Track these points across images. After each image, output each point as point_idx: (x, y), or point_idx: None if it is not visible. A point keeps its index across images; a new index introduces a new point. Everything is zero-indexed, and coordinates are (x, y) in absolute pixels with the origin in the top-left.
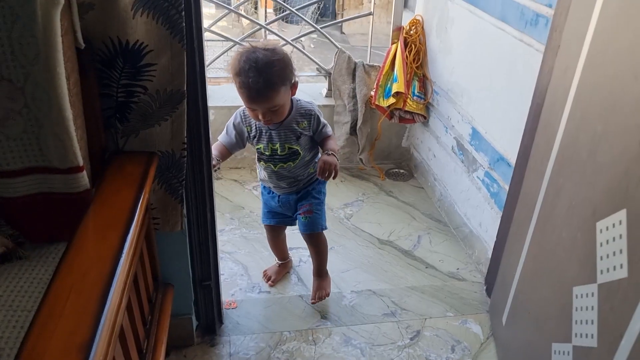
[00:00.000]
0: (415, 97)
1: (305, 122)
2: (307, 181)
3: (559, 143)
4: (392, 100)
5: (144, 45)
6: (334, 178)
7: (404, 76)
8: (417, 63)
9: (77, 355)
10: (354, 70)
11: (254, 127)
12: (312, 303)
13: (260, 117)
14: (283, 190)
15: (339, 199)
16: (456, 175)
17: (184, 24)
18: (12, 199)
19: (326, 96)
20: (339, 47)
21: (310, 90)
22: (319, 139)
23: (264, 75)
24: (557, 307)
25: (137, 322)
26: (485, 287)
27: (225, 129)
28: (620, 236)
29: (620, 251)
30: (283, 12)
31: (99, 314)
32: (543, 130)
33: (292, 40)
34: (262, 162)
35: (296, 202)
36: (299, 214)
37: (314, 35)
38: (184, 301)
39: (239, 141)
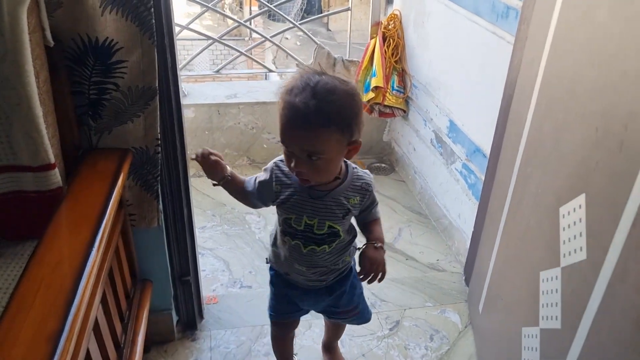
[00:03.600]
0: (394, 92)
1: (358, 197)
2: (340, 272)
3: (527, 133)
4: (371, 94)
5: (114, 42)
6: (379, 281)
7: (382, 71)
8: (395, 57)
9: (46, 345)
10: (334, 65)
11: (289, 189)
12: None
13: (292, 165)
14: (310, 282)
15: None
16: (435, 167)
17: (154, 21)
18: None
19: None
20: (318, 43)
21: None
22: (363, 220)
23: (320, 101)
24: (526, 292)
25: (113, 317)
26: (464, 277)
27: (253, 177)
28: (580, 220)
29: (580, 234)
30: (270, 14)
31: (68, 306)
32: (513, 121)
33: (271, 37)
34: (287, 238)
35: (330, 303)
36: (342, 318)
37: (300, 33)
38: (163, 297)
39: (259, 198)
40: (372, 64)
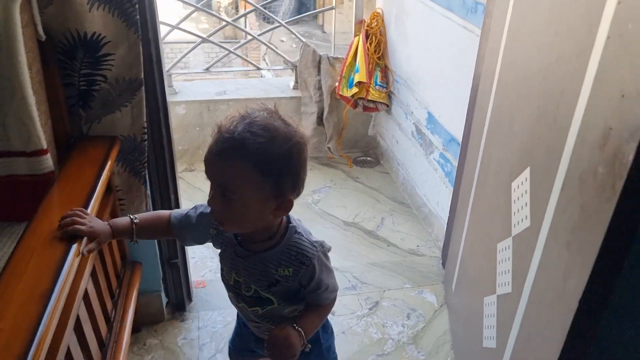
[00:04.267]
0: (377, 87)
1: (292, 269)
2: None
3: (489, 118)
4: (355, 89)
5: (102, 36)
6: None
7: (365, 66)
8: (378, 54)
9: (38, 302)
10: (319, 62)
11: (221, 238)
12: None
13: (208, 199)
14: (261, 335)
15: (307, 185)
16: (416, 158)
17: (139, 16)
18: None
19: (293, 88)
20: (304, 41)
21: (278, 83)
22: (307, 300)
23: (246, 132)
24: (487, 265)
25: (103, 291)
26: (441, 261)
27: (186, 209)
28: (526, 191)
29: (526, 204)
30: (265, 16)
31: (58, 271)
32: (479, 108)
33: (258, 35)
34: (225, 284)
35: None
36: None
37: (293, 35)
38: (153, 279)
39: (196, 231)
40: (355, 61)
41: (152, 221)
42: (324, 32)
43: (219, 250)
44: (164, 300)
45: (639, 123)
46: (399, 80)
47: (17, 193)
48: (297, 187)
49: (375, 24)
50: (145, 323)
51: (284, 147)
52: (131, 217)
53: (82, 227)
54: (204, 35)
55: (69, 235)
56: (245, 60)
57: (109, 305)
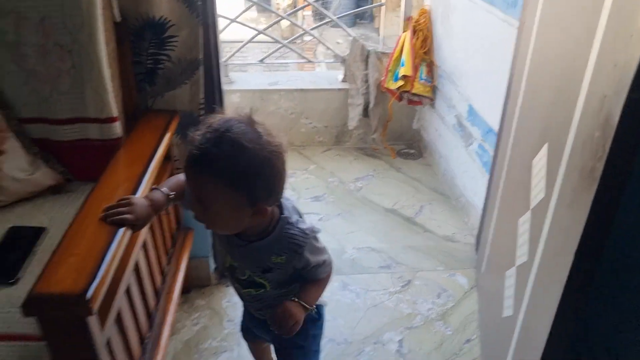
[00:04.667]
0: (422, 81)
1: (285, 257)
2: None
3: (519, 105)
4: (400, 82)
5: (168, 20)
6: (288, 334)
7: (411, 61)
8: (424, 49)
9: (105, 238)
10: (367, 57)
11: None
12: None
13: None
14: (255, 312)
15: (351, 173)
16: (456, 150)
17: (200, 3)
18: (61, 142)
19: (342, 81)
20: (353, 35)
21: (327, 75)
22: (303, 277)
23: (217, 150)
24: (510, 242)
25: (159, 247)
26: (475, 248)
27: None
28: (543, 166)
29: (543, 177)
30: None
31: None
32: (512, 97)
33: (311, 30)
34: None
35: (271, 339)
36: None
37: (349, 37)
38: (203, 245)
39: None
40: (402, 55)
41: (179, 188)
42: (379, 35)
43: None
44: (212, 266)
45: (625, 88)
46: (443, 75)
47: (90, 155)
48: (271, 195)
49: (423, 20)
50: (194, 286)
51: (254, 162)
52: (162, 190)
53: (128, 216)
54: (261, 34)
55: (115, 224)
56: (297, 53)
57: (164, 260)
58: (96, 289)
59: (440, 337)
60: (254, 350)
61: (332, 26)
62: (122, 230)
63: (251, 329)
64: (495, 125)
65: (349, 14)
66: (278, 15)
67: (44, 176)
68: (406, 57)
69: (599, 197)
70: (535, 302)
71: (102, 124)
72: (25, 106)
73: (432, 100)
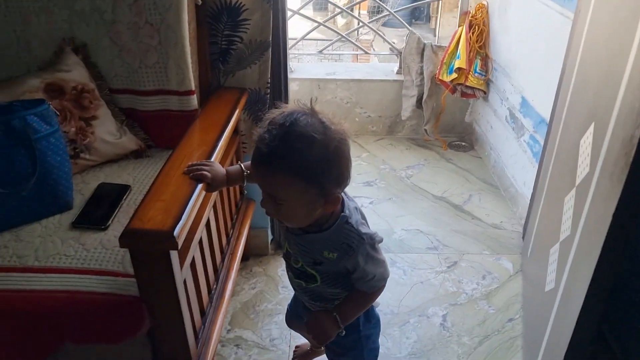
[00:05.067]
0: (476, 74)
1: (337, 254)
2: None
3: (570, 93)
4: (454, 75)
5: (242, 4)
6: (319, 344)
7: (466, 54)
8: (479, 43)
9: (186, 189)
10: (423, 50)
11: None
12: None
13: (261, 201)
14: (306, 303)
15: (402, 162)
16: (507, 141)
17: None
18: (145, 112)
19: (397, 73)
20: (410, 29)
21: (383, 67)
22: (355, 285)
23: (284, 145)
24: (555, 220)
25: (225, 212)
26: (522, 235)
27: None
28: (589, 144)
29: (588, 154)
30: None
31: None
32: (564, 86)
33: (369, 22)
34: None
35: None
36: (329, 357)
37: (404, 35)
38: (262, 216)
39: None
40: (457, 49)
41: None
42: (435, 35)
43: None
44: (270, 236)
45: None
46: (497, 69)
47: (168, 125)
48: (342, 183)
49: (480, 14)
50: (252, 254)
51: (323, 153)
52: (241, 165)
53: (207, 173)
54: (324, 37)
55: (195, 178)
56: (355, 44)
57: (229, 224)
58: (181, 228)
59: (483, 315)
60: (304, 336)
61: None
62: (200, 185)
63: (296, 320)
64: (546, 115)
65: (407, 7)
66: (338, 7)
67: (129, 141)
68: (461, 50)
69: (637, 162)
70: (575, 273)
71: (181, 96)
72: (115, 78)
73: (485, 93)
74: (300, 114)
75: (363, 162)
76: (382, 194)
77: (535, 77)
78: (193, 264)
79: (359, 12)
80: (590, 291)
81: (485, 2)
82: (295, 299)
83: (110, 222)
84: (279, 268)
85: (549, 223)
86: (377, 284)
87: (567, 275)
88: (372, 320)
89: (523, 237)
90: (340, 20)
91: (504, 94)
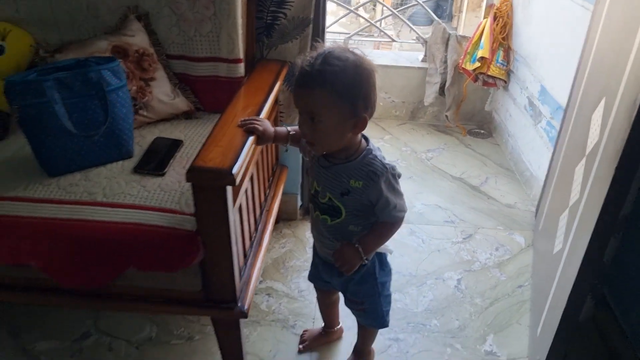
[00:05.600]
0: (498, 64)
1: (362, 182)
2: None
3: (586, 77)
4: (477, 64)
5: None
6: (345, 273)
7: (489, 44)
8: (503, 34)
9: (240, 139)
10: (448, 39)
11: (312, 153)
12: None
13: (298, 124)
14: (324, 250)
15: (423, 145)
16: (525, 128)
17: None
18: (196, 77)
19: (422, 61)
20: (436, 19)
21: (407, 55)
22: (378, 217)
23: (323, 64)
24: (565, 190)
25: (264, 174)
26: (535, 215)
27: None
28: (600, 116)
29: (599, 125)
30: (401, 6)
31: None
32: (580, 72)
33: (397, 11)
34: (308, 196)
35: (340, 284)
36: (350, 307)
37: (427, 32)
38: (293, 182)
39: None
40: (481, 40)
41: (299, 133)
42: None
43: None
44: (299, 202)
45: None
46: (518, 59)
47: (217, 90)
48: (368, 106)
49: (504, 7)
50: (282, 218)
51: (355, 74)
52: (287, 128)
53: (258, 127)
54: (349, 33)
55: (248, 131)
56: (383, 32)
57: (266, 184)
58: (238, 168)
59: (495, 281)
60: (322, 302)
61: (409, 17)
62: (252, 137)
63: (321, 276)
64: (563, 102)
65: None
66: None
67: (181, 103)
68: (485, 40)
69: (638, 123)
70: (580, 232)
71: (230, 64)
72: (172, 45)
73: (505, 82)
74: (336, 47)
75: (386, 144)
76: (403, 172)
77: (555, 66)
78: (240, 209)
79: (382, 7)
80: (590, 246)
81: None
82: (314, 265)
83: (166, 169)
84: (307, 232)
85: (561, 194)
86: (398, 214)
87: (573, 234)
88: (386, 269)
89: (535, 216)
90: (364, 15)
91: (524, 83)
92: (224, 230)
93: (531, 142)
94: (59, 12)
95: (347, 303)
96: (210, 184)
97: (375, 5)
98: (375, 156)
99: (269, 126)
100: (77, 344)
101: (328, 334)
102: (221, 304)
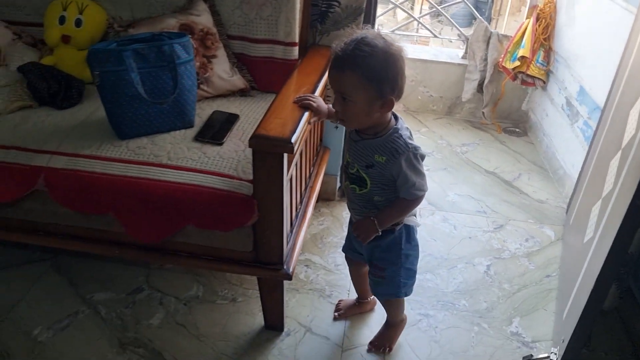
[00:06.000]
0: (538, 64)
1: (385, 158)
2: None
3: (626, 76)
4: (517, 63)
5: None
6: (363, 242)
7: (531, 44)
8: (545, 35)
9: (298, 114)
10: (489, 38)
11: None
12: (367, 350)
13: (332, 103)
14: (355, 218)
15: (458, 139)
16: (561, 128)
17: None
18: (253, 57)
19: (462, 57)
20: (479, 16)
21: (448, 51)
22: (399, 193)
23: (354, 48)
24: (599, 183)
25: (310, 151)
26: (566, 211)
27: None
28: (638, 111)
29: (636, 119)
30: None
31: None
32: (620, 72)
33: (442, 8)
34: (342, 168)
35: (367, 251)
36: (371, 273)
37: (465, 33)
38: (334, 164)
39: None
40: (522, 39)
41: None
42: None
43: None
44: (338, 184)
45: None
46: (558, 60)
47: (271, 71)
48: (395, 89)
49: (548, 8)
50: (321, 198)
51: (382, 58)
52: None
53: (313, 103)
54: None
55: (304, 106)
56: (426, 28)
57: (311, 161)
58: (296, 138)
59: (523, 269)
60: (354, 274)
61: (444, 22)
62: (307, 113)
63: (353, 245)
64: (601, 102)
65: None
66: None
67: (238, 81)
68: (527, 40)
69: None
70: (611, 222)
71: (286, 47)
72: (234, 26)
73: (544, 83)
74: (369, 33)
75: (422, 136)
76: (438, 164)
77: (595, 67)
78: (290, 181)
79: (421, 7)
80: (617, 236)
81: None
82: (348, 238)
83: (225, 139)
84: (343, 211)
85: (594, 188)
86: (416, 193)
87: (603, 224)
88: (412, 242)
89: (566, 212)
90: (401, 14)
91: (563, 83)
92: (278, 195)
93: (566, 142)
94: None
95: (370, 272)
96: (270, 150)
97: (413, 5)
98: (400, 135)
99: (322, 103)
100: (131, 296)
101: (361, 305)
102: (269, 265)
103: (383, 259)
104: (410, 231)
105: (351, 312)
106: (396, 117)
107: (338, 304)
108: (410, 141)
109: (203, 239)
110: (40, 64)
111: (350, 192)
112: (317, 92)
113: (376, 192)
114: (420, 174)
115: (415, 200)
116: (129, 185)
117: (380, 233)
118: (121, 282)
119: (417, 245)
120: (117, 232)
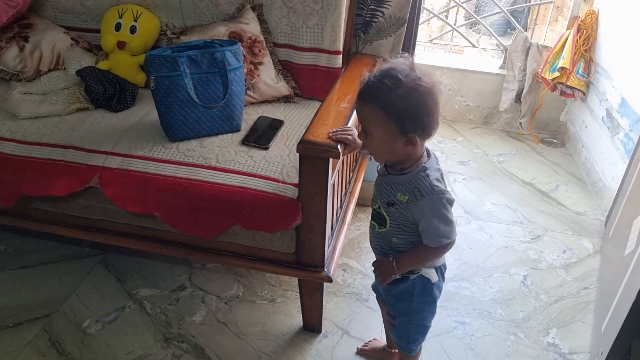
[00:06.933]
0: (578, 75)
1: (407, 197)
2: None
3: None
4: (556, 74)
5: None
6: (381, 283)
7: (571, 55)
8: (585, 46)
9: (344, 119)
10: (529, 48)
11: None
12: None
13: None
14: (374, 252)
15: (495, 149)
16: (601, 140)
17: None
18: (298, 65)
19: (500, 67)
20: (519, 27)
21: (485, 60)
22: (422, 238)
23: (377, 81)
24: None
25: (349, 158)
26: (605, 224)
27: None
28: None
29: None
30: (472, 18)
31: (350, 112)
32: None
33: (481, 18)
34: None
35: (385, 292)
36: (387, 320)
37: (499, 48)
38: (371, 172)
39: None
40: (562, 50)
41: None
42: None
43: None
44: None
45: None
46: (599, 71)
47: (316, 78)
48: (418, 127)
49: (589, 20)
50: (358, 204)
51: (405, 94)
52: None
53: (349, 137)
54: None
55: (339, 140)
56: (464, 37)
57: (351, 168)
58: (341, 145)
59: (560, 281)
60: (383, 316)
61: (478, 32)
62: (352, 119)
63: (376, 284)
64: None
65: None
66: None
67: (283, 87)
68: (567, 51)
69: None
70: None
71: (330, 55)
72: (280, 34)
73: (584, 94)
74: (400, 63)
75: (458, 145)
76: (474, 173)
77: (637, 79)
78: (333, 186)
79: (456, 16)
80: None
81: (596, 9)
82: None
83: (270, 144)
84: None
85: (636, 200)
86: (441, 240)
87: None
88: (427, 297)
89: (605, 225)
90: (434, 23)
91: (604, 95)
92: (322, 199)
93: (606, 154)
94: (185, 0)
95: (385, 315)
96: (317, 155)
97: (447, 14)
98: (427, 175)
99: (356, 134)
100: (174, 293)
101: (386, 353)
102: (310, 267)
103: (394, 307)
104: (426, 284)
105: (374, 355)
106: (429, 155)
107: (369, 342)
108: (437, 183)
109: (248, 239)
110: (97, 68)
111: (371, 228)
112: None
113: (395, 233)
114: (446, 220)
115: (439, 249)
116: (179, 186)
117: (398, 276)
118: (165, 279)
119: (433, 302)
120: (166, 230)
